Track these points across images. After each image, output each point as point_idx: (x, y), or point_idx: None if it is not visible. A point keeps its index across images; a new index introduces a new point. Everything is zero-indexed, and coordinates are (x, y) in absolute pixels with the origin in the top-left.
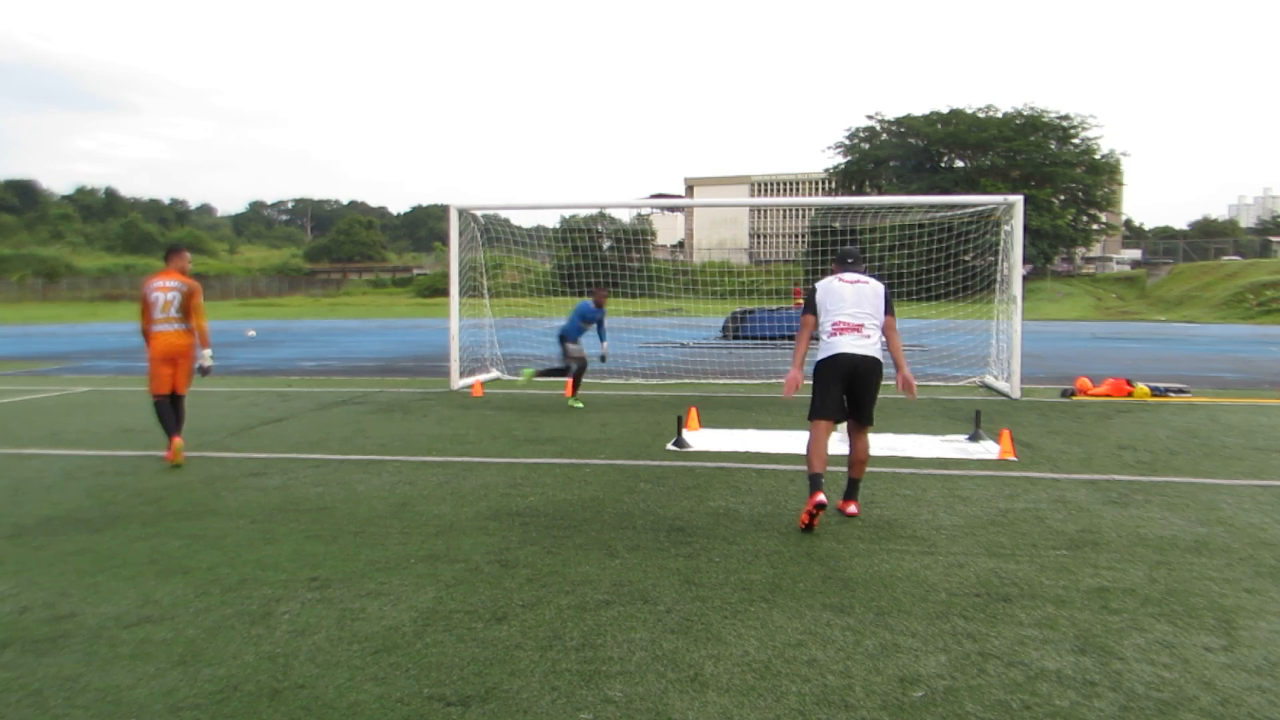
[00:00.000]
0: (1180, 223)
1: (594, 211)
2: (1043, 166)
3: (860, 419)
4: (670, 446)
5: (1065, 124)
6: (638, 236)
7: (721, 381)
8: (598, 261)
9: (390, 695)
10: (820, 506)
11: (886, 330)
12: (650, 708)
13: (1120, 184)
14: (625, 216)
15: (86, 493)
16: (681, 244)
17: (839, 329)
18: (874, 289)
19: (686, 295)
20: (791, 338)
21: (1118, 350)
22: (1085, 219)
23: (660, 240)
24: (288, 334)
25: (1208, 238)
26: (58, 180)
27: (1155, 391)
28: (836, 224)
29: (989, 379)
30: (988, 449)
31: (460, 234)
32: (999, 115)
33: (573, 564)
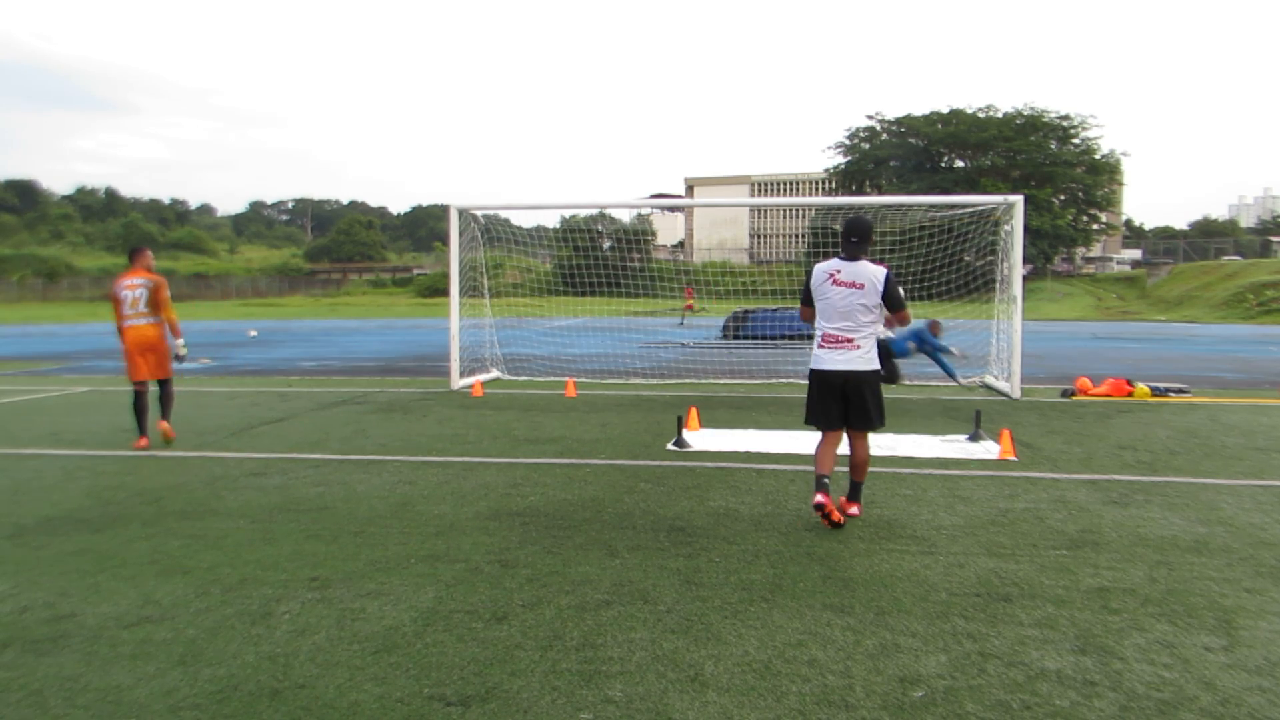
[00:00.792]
0: (1180, 223)
1: (594, 211)
2: (1043, 166)
3: (858, 426)
4: (670, 446)
5: (1065, 124)
6: (638, 236)
7: (721, 381)
8: (598, 261)
9: (390, 695)
10: (818, 507)
11: (889, 323)
12: (650, 708)
13: (1120, 184)
14: (625, 216)
15: (86, 493)
16: (681, 244)
17: (827, 342)
18: (870, 289)
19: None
20: (791, 338)
21: (1118, 350)
22: (1085, 219)
23: (660, 240)
24: (288, 334)
25: (1208, 238)
26: (58, 180)
27: (1155, 391)
28: (836, 224)
29: (989, 379)
30: (988, 449)
31: (460, 234)
32: (999, 115)
33: (573, 564)
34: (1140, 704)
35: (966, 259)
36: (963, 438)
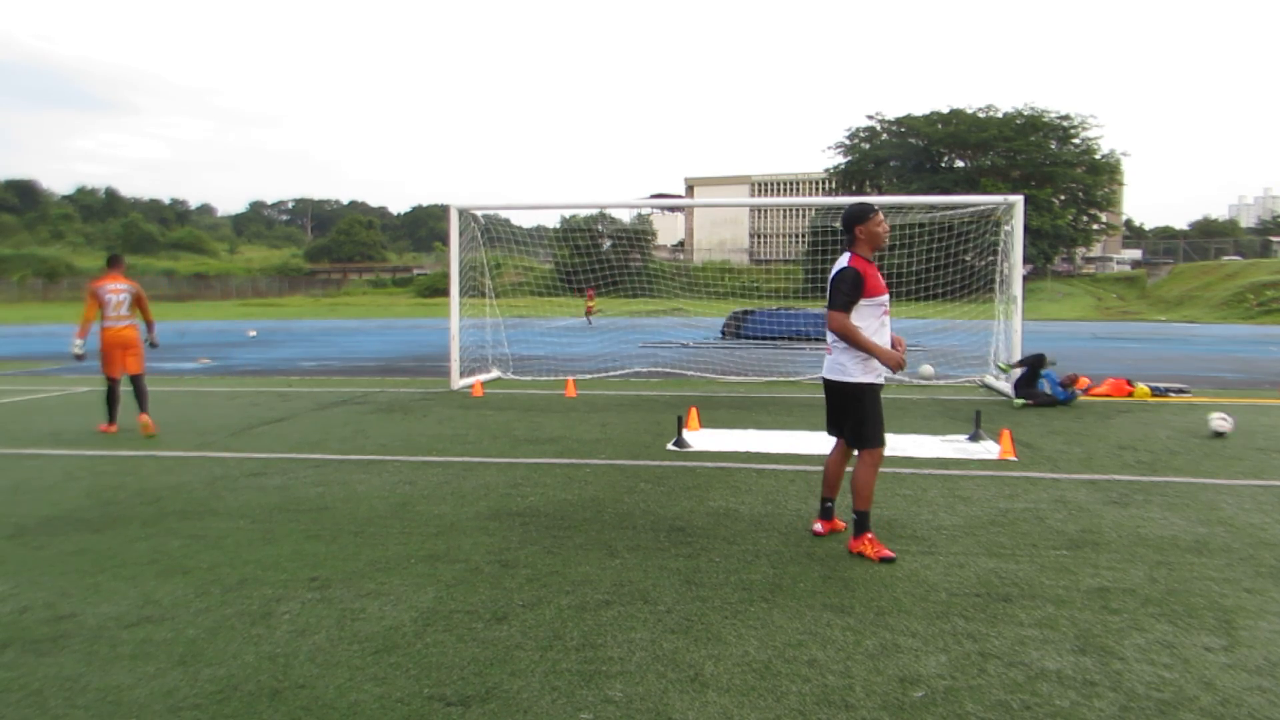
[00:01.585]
0: (1180, 223)
1: (594, 211)
2: (1043, 166)
3: (847, 442)
4: (670, 446)
5: (1065, 124)
6: (638, 236)
7: (722, 381)
8: (598, 261)
9: (390, 695)
10: (815, 535)
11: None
12: (650, 708)
13: (1120, 184)
14: (625, 216)
15: (86, 493)
16: (682, 244)
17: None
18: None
19: (686, 295)
20: (792, 338)
21: (1118, 350)
22: (1085, 219)
23: (660, 240)
24: (288, 334)
25: (1208, 238)
26: (58, 180)
27: (1155, 391)
28: (836, 224)
29: (989, 379)
30: (988, 449)
31: (460, 234)
32: (999, 115)
33: (573, 564)
34: (1140, 704)
35: (967, 259)
36: (963, 438)
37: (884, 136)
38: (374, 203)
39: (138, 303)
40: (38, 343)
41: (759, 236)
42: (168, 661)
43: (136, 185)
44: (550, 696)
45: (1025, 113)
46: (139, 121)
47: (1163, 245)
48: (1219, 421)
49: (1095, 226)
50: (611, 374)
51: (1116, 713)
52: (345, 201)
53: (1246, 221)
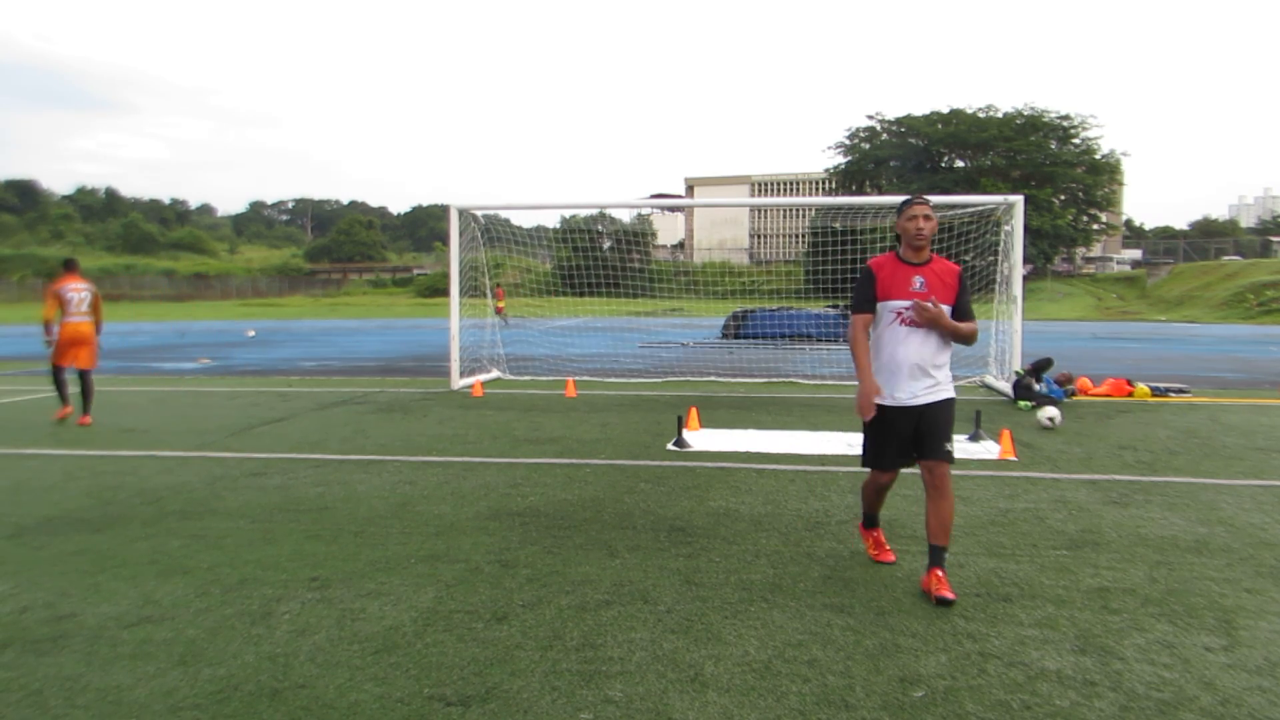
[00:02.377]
0: (1180, 223)
1: (594, 211)
2: (1043, 166)
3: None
4: (670, 446)
5: (1065, 124)
6: (638, 236)
7: (722, 381)
8: (598, 261)
9: (390, 695)
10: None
11: None
12: (650, 708)
13: (1120, 184)
14: (625, 216)
15: (86, 493)
16: (682, 244)
17: None
18: None
19: (686, 295)
20: (791, 338)
21: (1118, 350)
22: (1085, 219)
23: (660, 240)
24: (288, 334)
25: (1208, 238)
26: (58, 180)
27: (1155, 391)
28: (836, 224)
29: (989, 379)
30: (988, 449)
31: (460, 234)
32: (999, 115)
33: (573, 564)
34: (1140, 704)
35: (967, 259)
36: (963, 438)
37: (884, 136)
38: (374, 203)
39: (95, 303)
40: (38, 343)
41: (759, 236)
42: (168, 661)
43: (136, 185)
44: (550, 696)
45: (1025, 113)
46: (138, 121)
47: (1163, 245)
48: (1046, 421)
49: (1095, 226)
50: (611, 376)
51: (1116, 713)
52: (345, 201)
53: (1246, 221)
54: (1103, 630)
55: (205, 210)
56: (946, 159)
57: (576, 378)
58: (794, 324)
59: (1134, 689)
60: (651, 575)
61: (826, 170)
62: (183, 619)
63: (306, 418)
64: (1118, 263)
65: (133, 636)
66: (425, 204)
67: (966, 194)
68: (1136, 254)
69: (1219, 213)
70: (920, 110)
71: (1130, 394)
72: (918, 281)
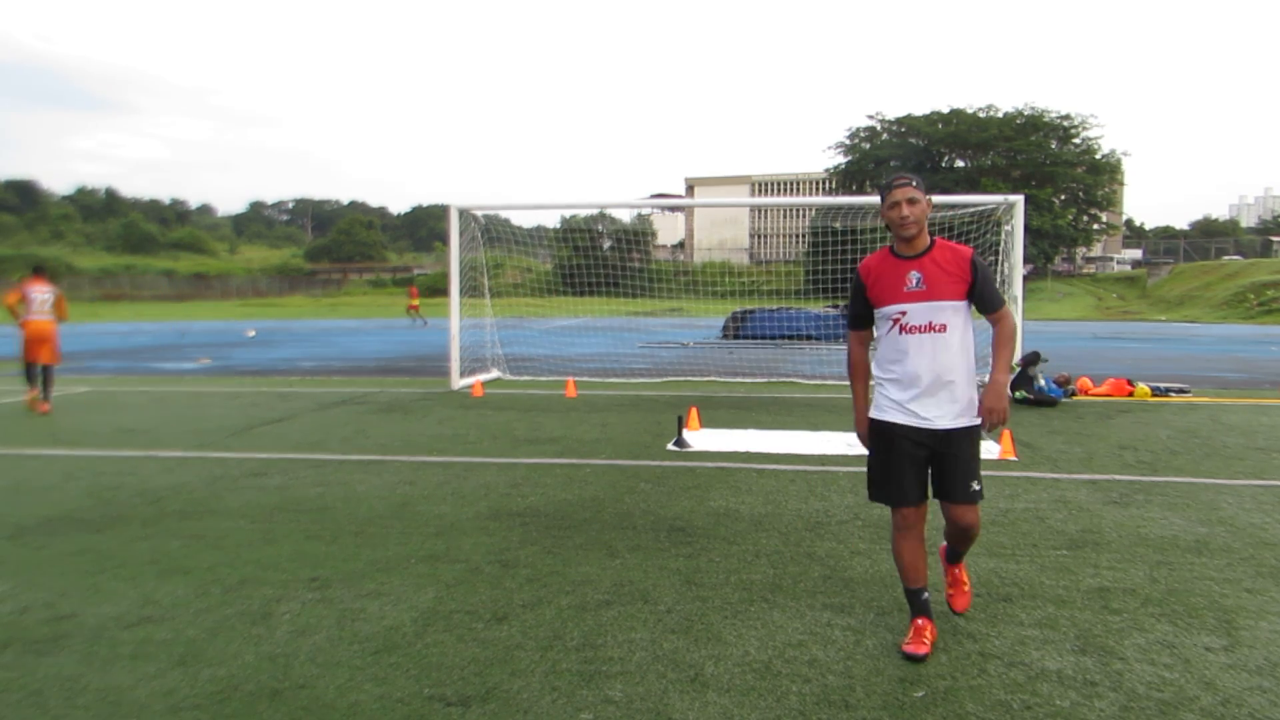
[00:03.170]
0: (1181, 222)
1: (594, 211)
2: (1043, 166)
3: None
4: (670, 446)
5: (1066, 124)
6: (638, 236)
7: (722, 381)
8: (598, 261)
9: (390, 695)
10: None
11: None
12: (651, 708)
13: (1121, 184)
14: (625, 216)
15: (86, 493)
16: (682, 244)
17: None
18: None
19: (686, 295)
20: (792, 338)
21: (1118, 350)
22: (1086, 219)
23: (660, 240)
24: (288, 334)
25: (1208, 237)
26: (58, 180)
27: (1156, 391)
28: (837, 224)
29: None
30: (988, 449)
31: (460, 234)
32: (1000, 115)
33: (573, 564)
34: (1141, 704)
35: None
36: None
37: (884, 136)
38: (374, 203)
39: (58, 303)
40: None
41: (759, 236)
42: (168, 661)
43: (136, 185)
44: (550, 696)
45: (1026, 113)
46: (138, 121)
47: (1163, 245)
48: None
49: (1095, 226)
50: (611, 376)
51: (1117, 713)
52: (345, 201)
53: (1247, 221)
54: (1103, 630)
55: (205, 210)
56: (947, 159)
57: (576, 378)
58: (794, 324)
59: (1134, 689)
60: (651, 575)
61: (826, 170)
62: (183, 619)
63: (306, 418)
64: (1118, 263)
65: (133, 636)
66: (425, 204)
67: (967, 194)
68: (1137, 254)
69: (1219, 212)
70: (920, 110)
71: (1131, 394)
72: (913, 278)
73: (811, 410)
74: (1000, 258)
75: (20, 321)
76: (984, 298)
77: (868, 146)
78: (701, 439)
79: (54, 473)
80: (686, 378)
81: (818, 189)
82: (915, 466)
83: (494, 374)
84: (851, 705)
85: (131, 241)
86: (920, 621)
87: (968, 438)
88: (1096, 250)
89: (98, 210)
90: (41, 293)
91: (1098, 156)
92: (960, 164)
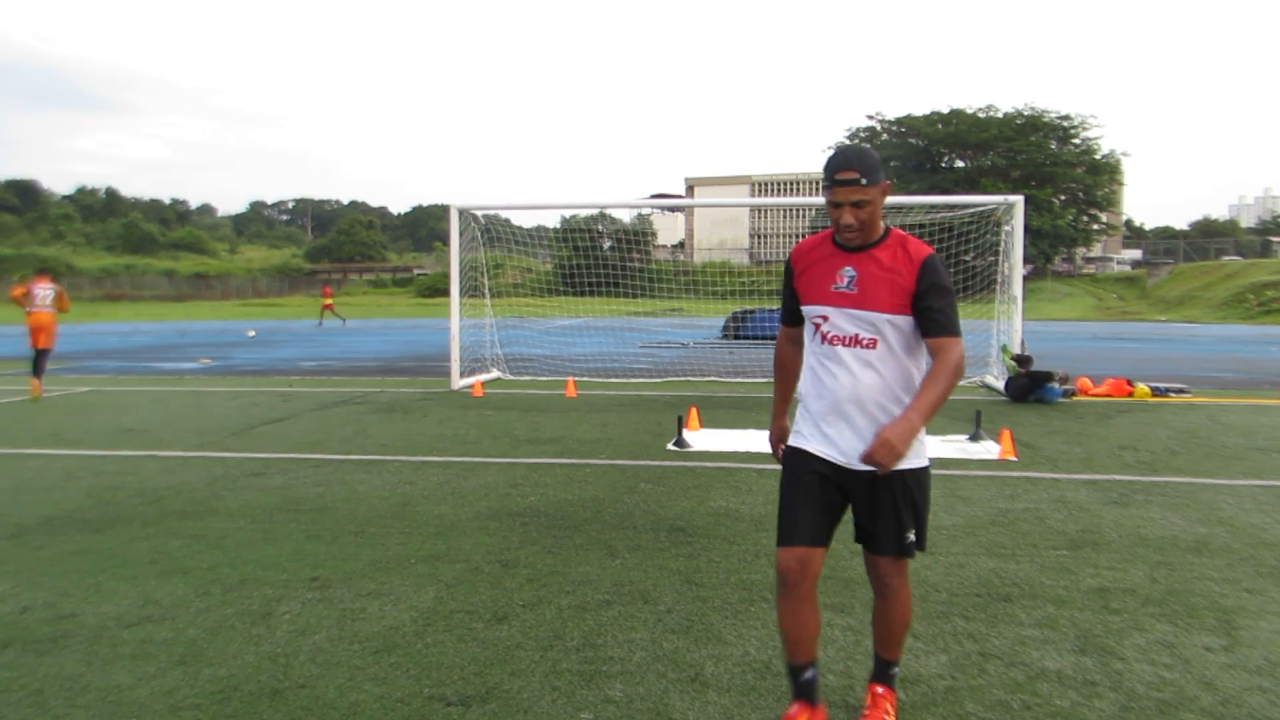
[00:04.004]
0: (1181, 223)
1: (594, 211)
2: (1043, 166)
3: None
4: (670, 446)
5: (1066, 124)
6: (638, 236)
7: (722, 381)
8: (598, 261)
9: (390, 695)
10: None
11: None
12: (651, 708)
13: (1120, 184)
14: (625, 216)
15: (86, 493)
16: (682, 244)
17: None
18: None
19: (686, 295)
20: None
21: (1118, 350)
22: (1086, 219)
23: (660, 240)
24: (288, 334)
25: (1208, 238)
26: (58, 180)
27: (1156, 391)
28: None
29: (989, 379)
30: (988, 449)
31: (460, 234)
32: (999, 115)
33: (573, 564)
34: (1140, 704)
35: (967, 259)
36: (963, 438)
37: (884, 136)
38: (374, 203)
39: (59, 298)
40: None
41: (759, 236)
42: (168, 661)
43: (136, 185)
44: (550, 696)
45: (1025, 113)
46: (138, 121)
47: (1163, 245)
48: None
49: (1095, 227)
50: (611, 376)
51: (1116, 713)
52: (345, 201)
53: (1246, 221)
54: (1103, 630)
55: (205, 210)
56: (946, 159)
57: (576, 378)
58: None
59: (1134, 689)
60: (652, 575)
61: None
62: (183, 619)
63: (307, 418)
64: (1118, 263)
65: (133, 636)
66: (425, 204)
67: (966, 194)
68: (1136, 254)
69: (1219, 213)
70: (920, 110)
71: (1130, 394)
72: (845, 276)
73: None
74: (1000, 258)
75: (26, 313)
76: (927, 314)
77: (867, 147)
78: (701, 439)
79: (54, 473)
80: (686, 378)
81: (818, 189)
82: (815, 504)
83: (494, 374)
84: (851, 705)
85: (132, 241)
86: (795, 709)
87: (909, 483)
88: (1096, 250)
89: (98, 210)
90: (44, 289)
91: (1097, 157)
92: (960, 164)
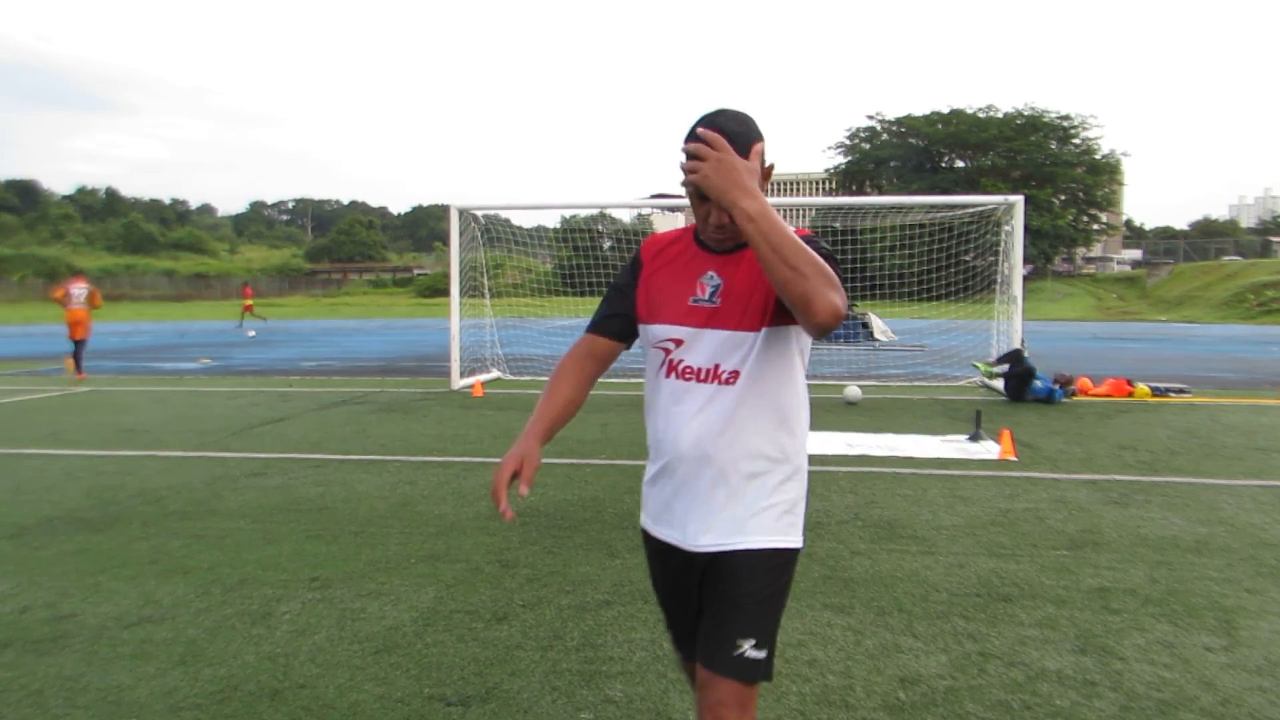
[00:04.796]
0: (1181, 223)
1: (594, 211)
2: (1043, 166)
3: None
4: None
5: (1066, 124)
6: (638, 237)
7: None
8: (598, 261)
9: (390, 695)
10: None
11: None
12: (651, 708)
13: (1120, 184)
14: (625, 216)
15: (86, 493)
16: None
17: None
18: None
19: None
20: None
21: (1118, 350)
22: (1086, 219)
23: None
24: (288, 334)
25: (1208, 238)
26: (58, 180)
27: (1156, 391)
28: (837, 224)
29: (989, 379)
30: (988, 449)
31: (460, 234)
32: (999, 115)
33: (573, 564)
34: (1140, 704)
35: (967, 259)
36: (963, 438)
37: (884, 137)
38: (374, 203)
39: (91, 296)
40: (38, 343)
41: None
42: (168, 661)
43: (136, 185)
44: (550, 696)
45: (1025, 113)
46: (138, 121)
47: (1163, 245)
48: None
49: (1095, 227)
50: (611, 376)
51: (1116, 713)
52: (345, 201)
53: (1246, 221)
54: (1103, 630)
55: (205, 210)
56: (946, 159)
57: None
58: None
59: (1134, 689)
60: None
61: (826, 170)
62: (183, 619)
63: (306, 418)
64: (1118, 263)
65: (133, 636)
66: (425, 204)
67: (966, 194)
68: (1136, 254)
69: (1219, 213)
70: (920, 110)
71: (1130, 394)
72: (708, 286)
73: (810, 410)
74: (1000, 258)
75: (66, 310)
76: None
77: (867, 147)
78: None
79: (54, 472)
80: None
81: (818, 189)
82: (685, 601)
83: (494, 374)
84: (851, 705)
85: (132, 241)
86: None
87: (751, 566)
88: (1096, 250)
89: (98, 210)
90: (78, 288)
91: (1097, 157)
92: (960, 164)
